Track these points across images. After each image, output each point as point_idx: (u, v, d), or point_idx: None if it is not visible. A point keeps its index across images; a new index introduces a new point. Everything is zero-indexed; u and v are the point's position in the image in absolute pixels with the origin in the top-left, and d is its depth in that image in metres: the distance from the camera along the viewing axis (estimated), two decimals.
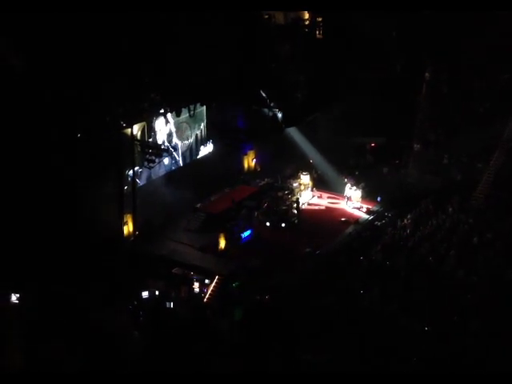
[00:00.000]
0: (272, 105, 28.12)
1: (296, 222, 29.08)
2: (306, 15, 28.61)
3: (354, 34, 28.62)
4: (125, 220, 25.23)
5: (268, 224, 28.64)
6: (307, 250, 26.17)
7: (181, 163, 29.50)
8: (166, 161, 27.97)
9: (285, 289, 23.06)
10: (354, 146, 35.36)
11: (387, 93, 31.76)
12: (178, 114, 27.09)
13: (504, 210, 27.98)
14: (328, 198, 32.12)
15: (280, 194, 30.89)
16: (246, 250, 26.35)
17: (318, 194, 32.42)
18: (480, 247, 24.89)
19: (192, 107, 26.60)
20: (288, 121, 29.05)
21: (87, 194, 22.75)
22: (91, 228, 22.79)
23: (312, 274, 24.30)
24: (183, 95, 24.55)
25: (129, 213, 25.29)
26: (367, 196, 31.25)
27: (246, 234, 27.03)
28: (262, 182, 32.50)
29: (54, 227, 21.63)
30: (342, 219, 29.55)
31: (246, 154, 33.51)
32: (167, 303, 22.56)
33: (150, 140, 26.51)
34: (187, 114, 27.20)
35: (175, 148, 28.62)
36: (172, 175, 28.55)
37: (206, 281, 23.92)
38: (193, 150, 30.22)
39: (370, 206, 30.72)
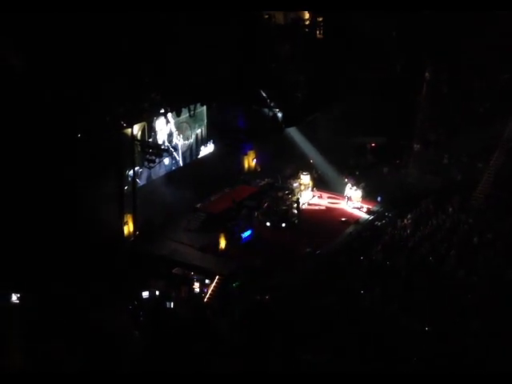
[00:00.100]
0: (272, 105, 28.07)
1: (296, 221, 29.06)
2: (306, 15, 28.56)
3: (354, 34, 28.56)
4: (125, 220, 25.26)
5: (268, 224, 28.62)
6: (307, 249, 26.16)
7: (181, 163, 29.49)
8: (167, 161, 27.93)
9: (285, 289, 23.05)
10: (354, 145, 35.32)
11: (387, 93, 31.75)
12: (178, 114, 27.07)
13: (504, 210, 27.97)
14: (328, 198, 32.07)
15: (280, 194, 30.84)
16: (246, 250, 26.33)
17: (318, 194, 32.37)
18: (480, 247, 24.88)
19: (192, 107, 26.53)
20: (288, 121, 28.99)
21: (87, 194, 22.73)
22: (91, 228, 22.78)
23: (312, 273, 24.30)
24: (183, 95, 24.54)
25: (129, 213, 25.32)
26: (367, 196, 31.21)
27: (247, 234, 26.98)
28: (262, 182, 32.42)
29: (54, 227, 21.62)
30: (343, 219, 29.53)
31: (246, 154, 33.46)
32: (167, 303, 22.53)
33: (151, 140, 26.48)
34: (187, 114, 27.12)
35: (175, 148, 28.59)
36: (172, 175, 28.51)
37: (207, 281, 23.91)
38: (193, 150, 30.22)
39: (370, 206, 30.70)
